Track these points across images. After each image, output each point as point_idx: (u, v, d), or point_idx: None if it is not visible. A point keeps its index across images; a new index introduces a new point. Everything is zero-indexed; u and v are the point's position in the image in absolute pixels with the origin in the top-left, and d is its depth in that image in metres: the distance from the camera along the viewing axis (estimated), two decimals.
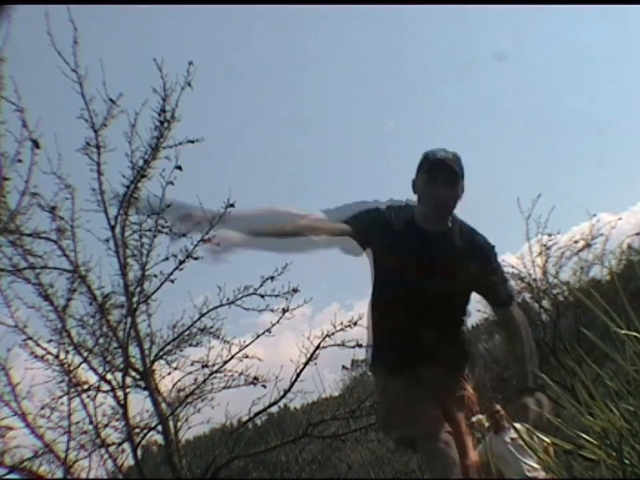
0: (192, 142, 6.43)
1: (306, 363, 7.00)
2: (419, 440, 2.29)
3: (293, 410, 9.70)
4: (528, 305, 10.62)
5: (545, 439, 1.74)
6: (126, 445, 6.74)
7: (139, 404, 6.85)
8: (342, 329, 6.91)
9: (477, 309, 10.66)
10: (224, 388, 7.09)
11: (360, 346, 6.84)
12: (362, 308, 6.14)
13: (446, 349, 2.42)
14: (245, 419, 7.36)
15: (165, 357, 6.92)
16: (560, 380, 8.58)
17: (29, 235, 6.38)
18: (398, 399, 2.38)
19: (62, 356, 6.63)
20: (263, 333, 7.03)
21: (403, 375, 2.41)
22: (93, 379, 6.77)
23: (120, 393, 6.60)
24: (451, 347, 2.46)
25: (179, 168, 6.39)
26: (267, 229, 2.26)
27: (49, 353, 6.64)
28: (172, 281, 6.67)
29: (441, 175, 2.31)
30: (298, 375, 7.00)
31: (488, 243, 2.46)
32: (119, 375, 6.65)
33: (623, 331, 1.53)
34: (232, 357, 6.96)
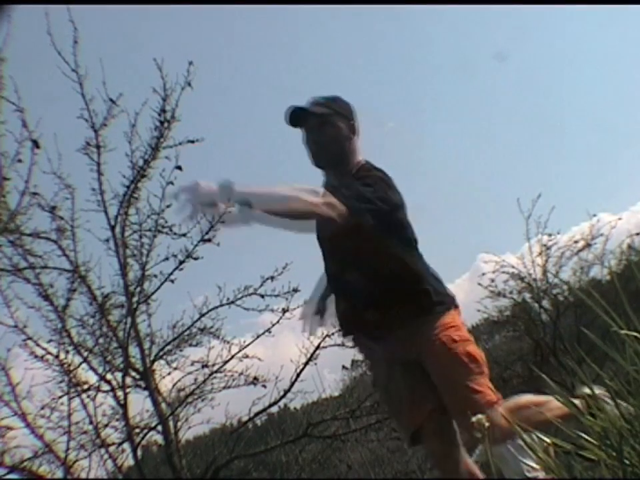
0: (192, 142, 6.43)
1: (306, 363, 6.98)
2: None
3: (293, 410, 9.66)
4: (528, 305, 10.62)
5: (545, 439, 1.74)
6: (126, 445, 6.72)
7: (139, 404, 6.84)
8: None
9: (477, 309, 10.72)
10: (224, 388, 7.07)
11: None
12: None
13: (380, 306, 2.13)
14: (245, 419, 7.34)
15: (165, 356, 6.91)
16: (560, 380, 8.59)
17: (29, 235, 6.36)
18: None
19: (62, 356, 6.60)
20: (263, 333, 7.00)
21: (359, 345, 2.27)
22: (93, 379, 6.76)
23: (120, 393, 6.58)
24: (386, 302, 2.14)
25: (179, 168, 6.39)
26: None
27: (49, 353, 6.61)
28: (172, 281, 6.66)
29: (307, 123, 2.27)
30: (298, 375, 6.98)
31: (371, 174, 2.19)
32: (119, 375, 6.63)
33: (623, 331, 1.53)
34: (232, 357, 6.94)
